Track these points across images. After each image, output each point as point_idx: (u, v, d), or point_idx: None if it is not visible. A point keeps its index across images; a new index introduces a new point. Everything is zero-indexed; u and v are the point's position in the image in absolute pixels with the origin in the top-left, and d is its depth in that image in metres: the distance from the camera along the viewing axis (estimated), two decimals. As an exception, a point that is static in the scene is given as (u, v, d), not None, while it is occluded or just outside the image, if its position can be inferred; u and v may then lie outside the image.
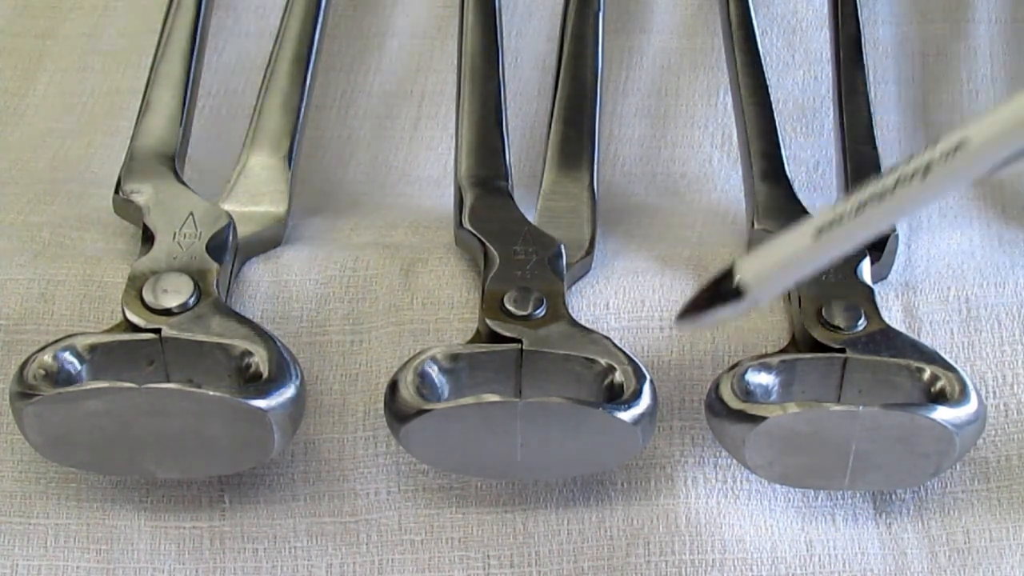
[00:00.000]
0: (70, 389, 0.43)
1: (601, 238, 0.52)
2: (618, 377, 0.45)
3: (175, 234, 0.48)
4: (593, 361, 0.46)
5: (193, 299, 0.46)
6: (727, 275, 0.38)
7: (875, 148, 0.53)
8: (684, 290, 0.49)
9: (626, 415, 0.44)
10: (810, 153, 0.60)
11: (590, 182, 0.54)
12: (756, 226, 0.50)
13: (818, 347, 0.46)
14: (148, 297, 0.46)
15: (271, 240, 0.52)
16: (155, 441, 0.44)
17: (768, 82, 0.55)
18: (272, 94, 0.56)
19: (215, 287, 0.47)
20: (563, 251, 0.49)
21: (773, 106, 0.55)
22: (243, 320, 0.46)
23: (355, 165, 0.61)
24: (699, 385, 0.48)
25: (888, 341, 0.46)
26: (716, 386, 0.45)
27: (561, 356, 0.46)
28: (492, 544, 0.47)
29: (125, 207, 0.51)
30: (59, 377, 0.44)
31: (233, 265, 0.49)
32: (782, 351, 0.47)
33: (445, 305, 0.49)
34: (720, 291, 0.38)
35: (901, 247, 0.52)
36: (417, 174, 0.60)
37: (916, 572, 0.47)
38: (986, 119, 0.35)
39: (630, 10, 0.64)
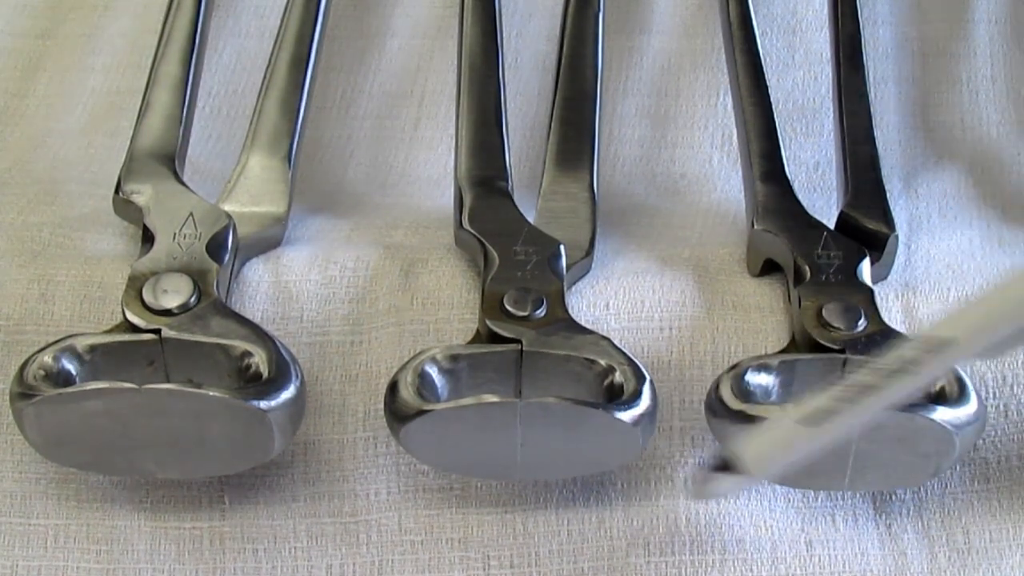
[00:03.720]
0: (70, 389, 0.43)
1: (601, 238, 0.52)
2: (618, 377, 0.45)
3: (175, 234, 0.48)
4: (593, 361, 0.46)
5: (193, 299, 0.46)
6: (731, 454, 0.42)
7: (875, 148, 0.53)
8: (684, 290, 0.49)
9: (626, 415, 0.44)
10: (810, 153, 0.60)
11: (590, 182, 0.54)
12: (756, 226, 0.50)
13: (818, 347, 0.46)
14: (148, 297, 0.46)
15: (271, 240, 0.52)
16: (155, 441, 0.44)
17: (768, 82, 0.55)
18: (272, 94, 0.56)
19: (215, 287, 0.47)
20: (563, 251, 0.49)
21: (773, 106, 0.54)
22: (243, 320, 0.46)
23: (355, 165, 0.61)
24: (699, 385, 0.48)
25: (888, 341, 0.46)
26: (716, 386, 0.45)
27: (561, 356, 0.46)
28: (492, 544, 0.47)
29: (125, 207, 0.51)
30: (59, 377, 0.44)
31: (233, 265, 0.49)
32: (782, 351, 0.47)
33: (445, 305, 0.49)
34: (723, 467, 0.43)
35: (901, 247, 0.52)
36: (417, 174, 0.60)
37: (916, 572, 0.47)
38: (965, 318, 0.39)
39: (630, 10, 0.64)
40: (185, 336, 0.45)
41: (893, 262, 0.51)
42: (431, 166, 0.60)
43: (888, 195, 0.52)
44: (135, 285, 0.46)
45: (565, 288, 0.48)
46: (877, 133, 0.54)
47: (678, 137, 0.61)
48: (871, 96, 0.55)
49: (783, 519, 0.47)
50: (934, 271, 0.51)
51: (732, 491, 0.44)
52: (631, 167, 0.60)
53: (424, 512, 0.48)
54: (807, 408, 0.41)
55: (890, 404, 0.40)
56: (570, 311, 0.47)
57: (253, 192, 0.53)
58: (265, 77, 0.56)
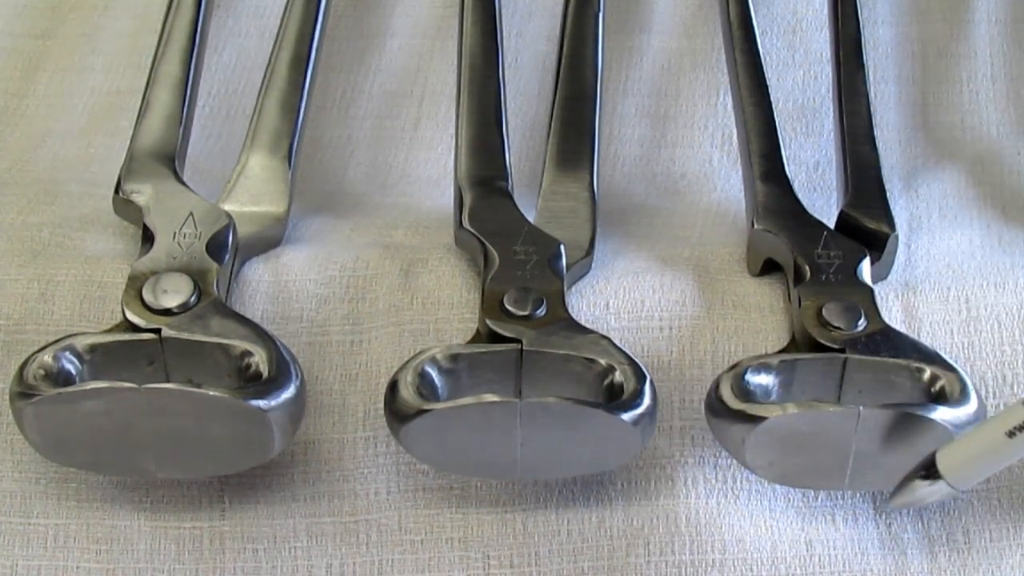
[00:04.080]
0: (70, 389, 0.43)
1: (601, 238, 0.52)
2: (618, 377, 0.45)
3: (175, 234, 0.48)
4: (593, 361, 0.46)
5: (193, 299, 0.46)
6: (931, 463, 0.42)
7: (875, 148, 0.53)
8: (684, 290, 0.49)
9: (626, 415, 0.44)
10: (810, 153, 0.60)
11: (590, 182, 0.54)
12: (756, 226, 0.50)
13: (818, 347, 0.46)
14: (148, 297, 0.46)
15: (271, 240, 0.52)
16: (155, 441, 0.44)
17: (768, 82, 0.55)
18: (272, 94, 0.56)
19: (215, 287, 0.47)
20: (563, 251, 0.49)
21: (773, 106, 0.54)
22: (243, 320, 0.46)
23: (355, 165, 0.61)
24: (699, 385, 0.48)
25: (888, 341, 0.46)
26: (716, 386, 0.45)
27: (561, 356, 0.46)
28: (492, 544, 0.47)
29: (125, 207, 0.51)
30: (59, 377, 0.44)
31: (233, 265, 0.49)
32: (782, 351, 0.47)
33: (445, 305, 0.49)
34: (923, 475, 0.42)
35: (901, 247, 0.52)
36: (417, 174, 0.60)
37: (916, 572, 0.47)
38: None
39: (630, 10, 0.64)
40: (185, 336, 0.45)
41: (893, 262, 0.51)
42: (431, 166, 0.60)
43: (888, 195, 0.52)
44: (135, 285, 0.46)
45: (565, 288, 0.48)
46: (877, 133, 0.54)
47: (678, 137, 0.61)
48: (871, 96, 0.55)
49: (783, 519, 0.47)
50: (934, 271, 0.51)
51: (931, 501, 0.43)
52: (631, 167, 0.60)
53: (424, 512, 0.48)
54: (1013, 418, 0.40)
55: None
56: (570, 311, 0.47)
57: (253, 192, 0.53)
58: (265, 77, 0.56)
